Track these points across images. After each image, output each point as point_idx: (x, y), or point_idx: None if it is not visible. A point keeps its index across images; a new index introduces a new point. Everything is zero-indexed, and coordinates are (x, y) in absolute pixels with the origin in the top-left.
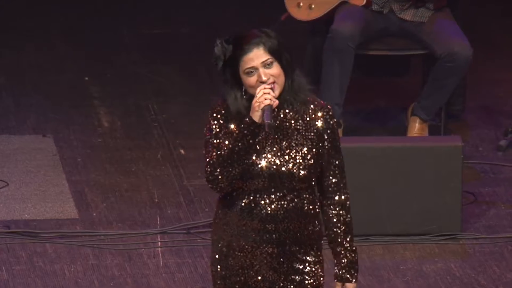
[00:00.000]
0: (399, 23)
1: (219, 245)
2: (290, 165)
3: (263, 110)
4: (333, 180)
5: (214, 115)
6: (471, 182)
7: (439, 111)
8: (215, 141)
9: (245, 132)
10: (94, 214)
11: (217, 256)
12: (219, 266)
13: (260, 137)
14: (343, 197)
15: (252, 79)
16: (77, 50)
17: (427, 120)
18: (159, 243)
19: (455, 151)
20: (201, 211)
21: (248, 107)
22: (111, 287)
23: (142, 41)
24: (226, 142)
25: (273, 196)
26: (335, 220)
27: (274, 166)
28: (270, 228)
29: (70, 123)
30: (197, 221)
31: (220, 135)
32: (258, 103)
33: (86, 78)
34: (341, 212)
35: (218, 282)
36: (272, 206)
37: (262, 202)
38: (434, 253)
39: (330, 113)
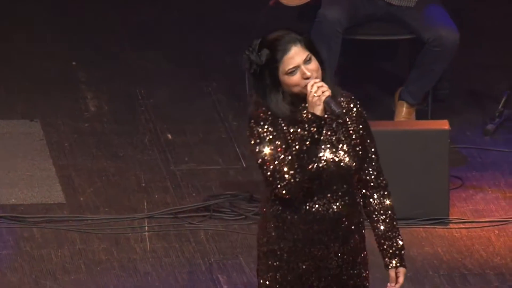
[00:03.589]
0: (386, 7)
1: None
2: (346, 159)
3: (325, 102)
4: (374, 167)
5: (259, 122)
6: (458, 167)
7: (426, 95)
8: (271, 146)
9: (311, 129)
10: (81, 198)
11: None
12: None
13: (325, 131)
14: (384, 183)
15: (295, 78)
16: (65, 35)
17: (414, 105)
18: (146, 227)
19: (442, 135)
20: (188, 195)
21: (291, 109)
22: (98, 272)
23: (129, 26)
24: (285, 146)
25: (336, 194)
26: (379, 207)
27: (333, 164)
28: (337, 227)
29: (57, 108)
30: (184, 205)
31: (275, 140)
32: (317, 97)
33: (74, 63)
34: (383, 199)
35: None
36: (337, 204)
37: (326, 201)
38: (421, 237)
39: (358, 101)
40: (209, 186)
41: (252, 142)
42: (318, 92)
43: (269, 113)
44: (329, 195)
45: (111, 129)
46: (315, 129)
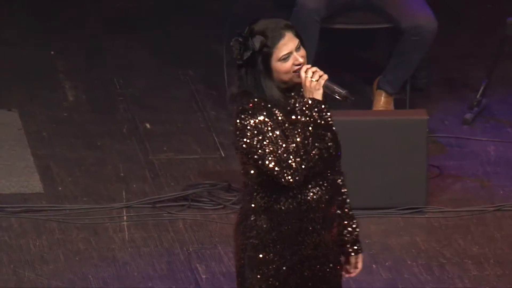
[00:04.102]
0: None
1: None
2: (334, 146)
3: (326, 86)
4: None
5: (254, 113)
6: (436, 156)
7: (404, 84)
8: (271, 136)
9: (313, 114)
10: (60, 188)
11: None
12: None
13: (327, 115)
14: (341, 169)
15: (288, 65)
16: (42, 24)
17: (392, 94)
18: (125, 217)
19: (421, 124)
20: (166, 185)
21: (283, 95)
22: (77, 262)
23: (107, 15)
24: (284, 135)
25: (326, 182)
26: (345, 196)
27: (325, 151)
28: (327, 214)
29: (35, 97)
30: (162, 195)
31: (275, 130)
32: (315, 82)
33: (52, 52)
34: (341, 186)
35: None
36: (328, 191)
37: (319, 189)
38: (399, 226)
39: None
40: (187, 176)
41: (249, 134)
42: (315, 76)
43: (263, 104)
44: (320, 182)
45: (89, 119)
46: (316, 114)
